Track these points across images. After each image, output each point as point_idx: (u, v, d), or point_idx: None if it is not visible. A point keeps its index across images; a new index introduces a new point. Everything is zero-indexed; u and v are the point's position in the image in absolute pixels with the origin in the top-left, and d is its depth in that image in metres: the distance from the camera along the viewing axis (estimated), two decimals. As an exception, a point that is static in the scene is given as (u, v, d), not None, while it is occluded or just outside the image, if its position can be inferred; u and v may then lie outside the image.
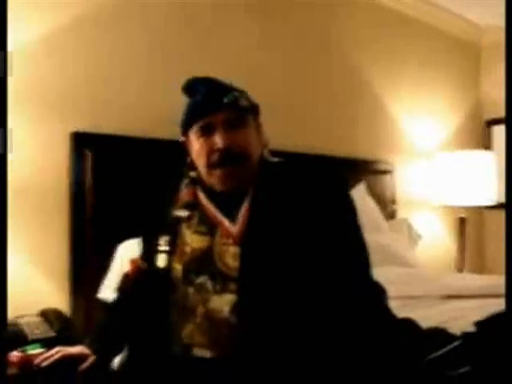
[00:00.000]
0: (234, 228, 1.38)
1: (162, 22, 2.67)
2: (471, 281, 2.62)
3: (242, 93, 1.46)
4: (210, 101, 1.41)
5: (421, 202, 3.99)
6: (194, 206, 1.46)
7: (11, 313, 1.90)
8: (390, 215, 3.68)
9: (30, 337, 1.78)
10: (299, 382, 1.25)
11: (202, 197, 1.47)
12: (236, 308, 1.30)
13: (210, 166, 1.40)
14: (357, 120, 3.63)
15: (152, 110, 2.56)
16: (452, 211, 4.06)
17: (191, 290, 1.36)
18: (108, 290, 2.13)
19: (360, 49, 3.66)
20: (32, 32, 2.23)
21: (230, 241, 1.37)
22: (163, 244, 1.44)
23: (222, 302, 1.32)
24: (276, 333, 1.28)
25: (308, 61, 3.34)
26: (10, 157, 2.10)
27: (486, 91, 4.65)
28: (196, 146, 1.44)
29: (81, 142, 2.31)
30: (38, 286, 2.20)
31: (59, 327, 1.87)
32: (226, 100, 1.40)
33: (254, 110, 1.48)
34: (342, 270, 1.33)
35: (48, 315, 1.94)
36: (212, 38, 2.85)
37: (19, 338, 1.76)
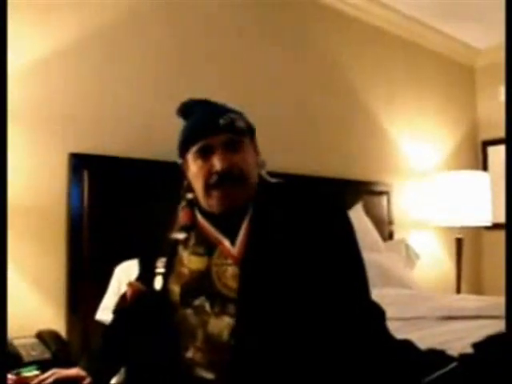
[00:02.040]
0: (234, 249, 1.37)
1: (162, 43, 2.70)
2: (469, 302, 2.61)
3: (239, 114, 1.46)
4: (207, 123, 1.41)
5: (418, 222, 4.00)
6: (191, 227, 1.45)
7: (7, 334, 1.89)
8: (388, 236, 3.68)
9: (26, 359, 1.77)
10: None
11: (199, 218, 1.46)
12: (235, 332, 1.29)
13: (208, 187, 1.39)
14: (354, 141, 3.65)
15: (150, 132, 2.57)
16: (449, 232, 4.07)
17: (190, 311, 1.36)
18: (105, 312, 2.12)
19: (358, 71, 3.69)
20: (32, 54, 2.25)
21: (230, 261, 1.36)
22: (161, 266, 1.44)
23: (221, 326, 1.31)
24: (275, 356, 1.27)
25: (307, 83, 3.37)
26: (10, 177, 2.12)
27: (482, 112, 4.69)
28: (194, 168, 1.43)
29: (79, 162, 2.31)
30: (35, 307, 2.19)
31: (55, 349, 1.86)
32: (222, 122, 1.39)
33: (250, 131, 1.48)
34: (341, 291, 1.32)
35: (44, 336, 1.93)
36: (208, 61, 2.88)
37: (15, 360, 1.75)
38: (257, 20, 3.14)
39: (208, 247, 1.40)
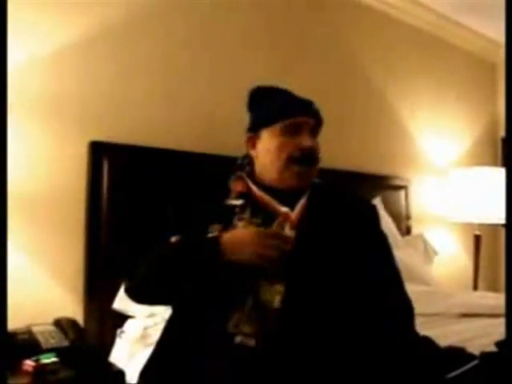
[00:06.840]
0: (292, 214, 1.44)
1: (178, 37, 2.68)
2: (488, 299, 2.59)
3: None
4: (302, 104, 1.54)
5: (435, 218, 3.97)
6: (247, 196, 1.48)
7: (26, 321, 1.91)
8: (405, 231, 3.65)
9: (45, 346, 1.78)
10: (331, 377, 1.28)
11: (255, 190, 1.50)
12: (285, 299, 1.31)
13: (291, 161, 1.47)
14: (373, 135, 3.62)
15: (170, 121, 2.56)
16: (467, 228, 4.03)
17: (241, 277, 1.33)
18: (123, 302, 2.12)
19: (378, 65, 3.66)
20: (53, 46, 2.24)
21: (287, 228, 1.39)
22: (215, 230, 1.39)
23: (273, 293, 1.32)
24: (319, 327, 1.32)
25: (326, 77, 3.34)
26: (29, 166, 2.13)
27: (503, 108, 4.63)
28: (273, 142, 1.49)
29: (98, 151, 2.31)
30: (53, 295, 2.20)
31: (73, 337, 1.87)
32: (314, 107, 1.55)
33: None
34: (386, 282, 1.46)
35: (62, 324, 1.94)
36: (231, 60, 2.84)
37: (33, 347, 1.76)
38: (281, 18, 3.12)
39: (266, 218, 1.42)
